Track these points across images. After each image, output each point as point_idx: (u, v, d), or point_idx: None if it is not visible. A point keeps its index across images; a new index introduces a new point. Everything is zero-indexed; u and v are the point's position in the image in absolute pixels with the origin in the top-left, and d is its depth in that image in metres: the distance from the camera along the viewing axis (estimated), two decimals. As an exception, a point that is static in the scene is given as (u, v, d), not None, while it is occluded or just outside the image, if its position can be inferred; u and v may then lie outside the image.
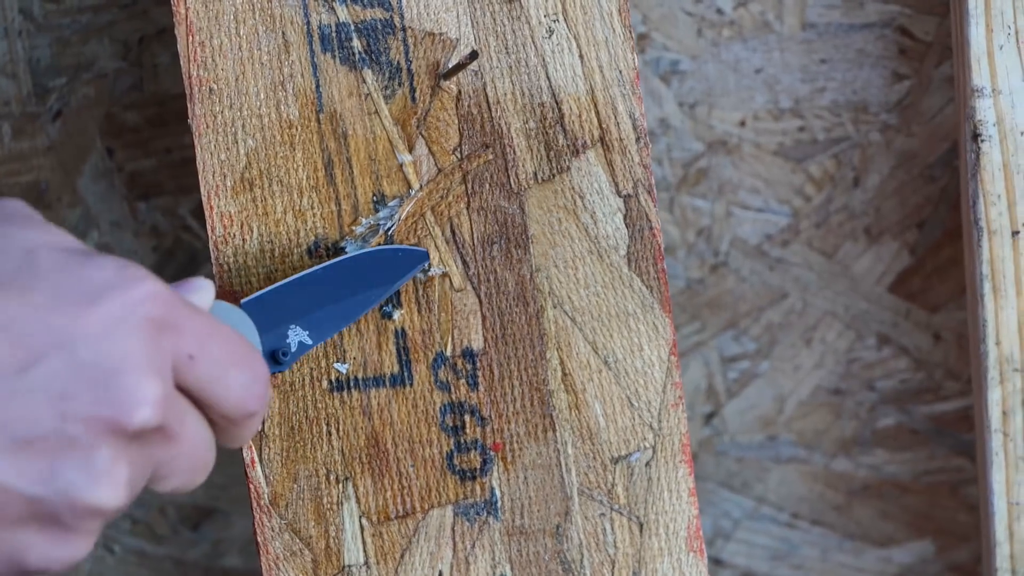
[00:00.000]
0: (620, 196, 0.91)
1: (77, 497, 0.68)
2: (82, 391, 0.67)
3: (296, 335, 0.84)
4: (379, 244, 0.89)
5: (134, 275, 0.69)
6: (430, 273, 0.90)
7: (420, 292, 0.90)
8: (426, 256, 0.89)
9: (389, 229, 0.90)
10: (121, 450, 0.68)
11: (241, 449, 0.89)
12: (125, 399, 0.67)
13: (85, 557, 0.72)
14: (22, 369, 0.66)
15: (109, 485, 0.68)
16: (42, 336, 0.67)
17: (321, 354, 0.90)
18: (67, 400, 0.67)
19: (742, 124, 1.12)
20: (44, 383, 0.67)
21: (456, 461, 0.91)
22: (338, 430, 0.90)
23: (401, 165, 0.90)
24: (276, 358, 0.83)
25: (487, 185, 0.90)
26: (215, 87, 0.89)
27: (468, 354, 0.91)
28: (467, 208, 0.90)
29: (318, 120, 0.89)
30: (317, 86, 0.89)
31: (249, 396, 0.74)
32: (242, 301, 0.83)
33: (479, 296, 0.91)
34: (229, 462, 1.18)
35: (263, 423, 0.89)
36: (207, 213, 0.88)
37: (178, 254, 1.15)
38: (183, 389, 0.71)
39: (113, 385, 0.67)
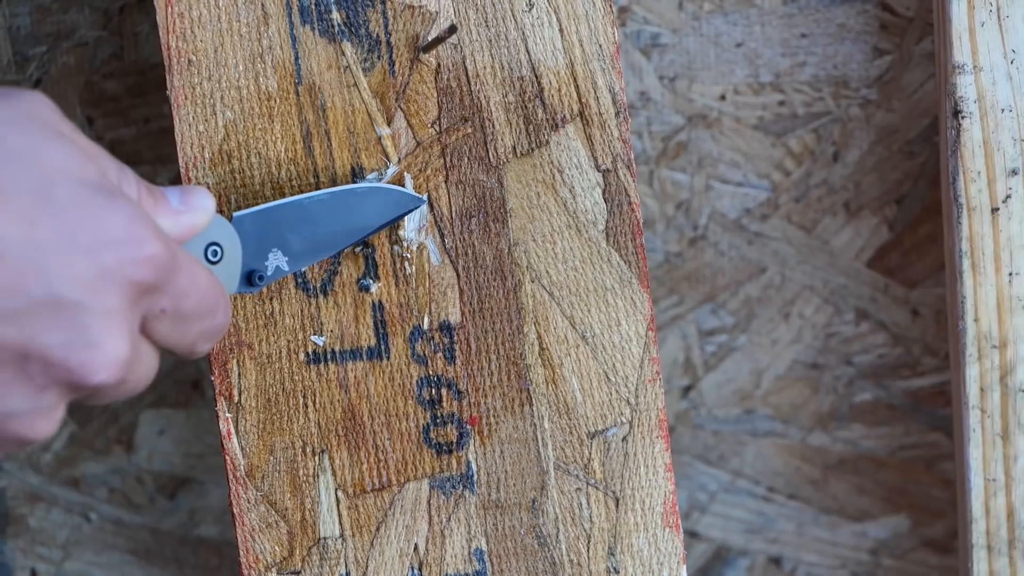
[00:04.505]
0: (599, 171, 0.91)
1: (11, 426, 0.70)
2: (54, 336, 0.68)
3: (276, 259, 0.85)
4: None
5: (142, 235, 0.70)
6: (406, 243, 0.90)
7: (398, 265, 0.90)
8: (422, 201, 0.89)
9: None
10: (67, 397, 0.71)
11: (218, 420, 0.89)
12: (91, 360, 0.69)
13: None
14: (6, 293, 0.67)
15: (45, 424, 0.71)
16: (35, 272, 0.67)
17: (298, 327, 0.89)
18: (37, 339, 0.68)
19: (722, 98, 1.11)
20: (21, 315, 0.67)
21: (432, 434, 0.91)
22: (315, 403, 0.90)
23: (380, 138, 0.90)
24: (251, 280, 0.84)
25: (466, 159, 0.90)
26: (194, 58, 0.88)
27: (445, 328, 0.91)
28: (445, 182, 0.90)
29: (297, 92, 0.89)
30: (296, 58, 0.89)
31: (201, 341, 0.77)
32: (235, 215, 0.83)
33: (457, 270, 0.90)
34: (206, 431, 1.18)
35: (239, 395, 0.89)
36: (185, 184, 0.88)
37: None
38: (144, 332, 0.73)
39: (84, 340, 0.69)
